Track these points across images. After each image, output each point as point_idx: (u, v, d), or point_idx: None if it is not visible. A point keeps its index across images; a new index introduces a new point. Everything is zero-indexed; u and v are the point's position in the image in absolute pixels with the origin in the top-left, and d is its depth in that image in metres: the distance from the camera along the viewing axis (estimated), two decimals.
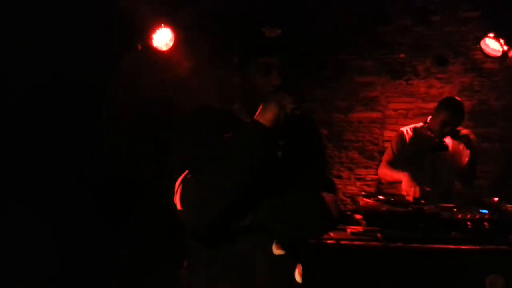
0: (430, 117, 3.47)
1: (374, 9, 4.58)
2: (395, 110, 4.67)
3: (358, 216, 2.84)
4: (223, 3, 4.42)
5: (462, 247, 2.46)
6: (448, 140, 3.36)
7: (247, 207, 1.34)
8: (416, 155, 3.42)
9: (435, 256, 2.44)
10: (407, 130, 3.52)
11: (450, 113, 3.27)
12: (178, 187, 1.29)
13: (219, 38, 4.25)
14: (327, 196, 1.43)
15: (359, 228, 2.63)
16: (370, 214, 2.66)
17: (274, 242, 1.39)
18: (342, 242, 2.46)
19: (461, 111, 3.32)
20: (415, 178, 3.19)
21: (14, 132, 2.97)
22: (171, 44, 3.89)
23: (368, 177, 4.65)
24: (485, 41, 4.01)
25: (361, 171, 4.67)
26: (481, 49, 4.08)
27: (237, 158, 1.27)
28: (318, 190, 1.44)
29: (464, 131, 3.38)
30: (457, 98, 3.52)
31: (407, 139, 3.47)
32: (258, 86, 1.44)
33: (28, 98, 3.06)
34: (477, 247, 2.44)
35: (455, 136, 3.32)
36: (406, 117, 4.61)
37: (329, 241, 2.46)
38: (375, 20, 4.62)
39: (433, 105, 3.91)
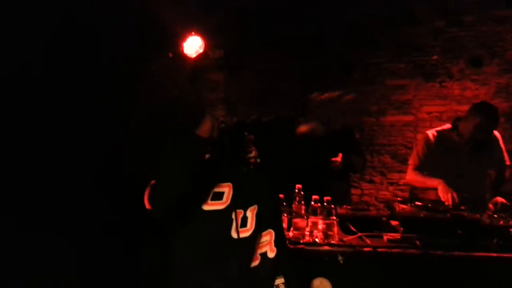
0: (457, 120, 3.34)
1: (404, 11, 4.51)
2: (429, 113, 4.58)
3: (394, 222, 2.78)
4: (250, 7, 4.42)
5: (504, 255, 2.38)
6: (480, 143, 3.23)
7: (197, 197, 1.66)
8: (443, 159, 3.30)
9: (476, 264, 2.36)
10: (432, 133, 3.39)
11: (485, 118, 3.09)
12: (146, 192, 1.59)
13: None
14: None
15: (396, 235, 2.57)
16: (408, 221, 2.59)
17: (233, 225, 1.65)
18: (379, 249, 2.41)
19: (496, 116, 3.14)
20: (448, 183, 3.10)
21: (33, 135, 3.00)
22: (200, 51, 3.91)
23: (401, 181, 4.56)
24: None
25: (394, 176, 4.59)
26: None
27: (181, 162, 1.57)
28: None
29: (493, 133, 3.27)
30: (492, 103, 3.37)
31: (434, 143, 3.33)
32: (207, 101, 1.69)
33: (54, 99, 3.10)
34: None
35: (486, 141, 3.20)
36: (440, 120, 4.50)
37: (365, 249, 2.41)
38: (406, 22, 4.54)
39: (468, 107, 3.81)
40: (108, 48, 3.34)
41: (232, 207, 1.67)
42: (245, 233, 1.67)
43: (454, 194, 2.95)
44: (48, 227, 2.90)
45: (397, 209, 2.77)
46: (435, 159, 3.30)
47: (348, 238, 2.50)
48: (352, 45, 4.56)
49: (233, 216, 1.66)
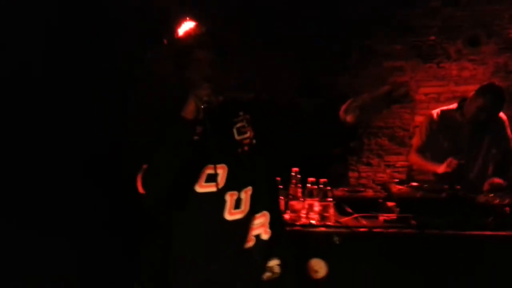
0: (463, 100, 3.34)
1: None
2: (426, 94, 4.56)
3: (390, 204, 2.79)
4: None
5: (500, 233, 2.39)
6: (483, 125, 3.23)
7: (189, 179, 1.66)
8: (444, 138, 3.29)
9: (472, 243, 2.38)
10: (437, 113, 3.38)
11: (490, 99, 3.08)
12: (138, 177, 1.60)
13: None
14: None
15: (392, 216, 2.58)
16: (404, 201, 2.61)
17: (227, 207, 1.65)
18: (375, 229, 2.42)
19: (501, 98, 3.12)
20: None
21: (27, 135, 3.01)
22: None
23: (399, 163, 4.56)
24: None
25: (391, 158, 4.59)
26: None
27: (170, 145, 1.58)
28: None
29: (499, 115, 3.26)
30: (499, 85, 3.28)
31: (437, 123, 3.33)
32: (191, 80, 1.64)
33: (48, 95, 3.10)
34: None
35: (488, 123, 3.20)
36: (438, 101, 4.49)
37: (361, 229, 2.43)
38: (402, 3, 4.50)
39: (465, 87, 3.83)
40: (105, 39, 3.33)
41: (225, 189, 1.65)
42: (238, 215, 1.66)
43: (453, 162, 3.01)
44: (47, 227, 2.92)
45: (393, 190, 2.79)
46: (437, 138, 3.31)
47: (344, 219, 2.52)
48: (348, 29, 4.53)
49: (227, 198, 1.66)
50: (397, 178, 4.30)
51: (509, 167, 3.32)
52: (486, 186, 3.02)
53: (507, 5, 4.31)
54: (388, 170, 4.58)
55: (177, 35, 3.91)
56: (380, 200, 2.86)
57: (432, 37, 4.50)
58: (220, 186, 1.64)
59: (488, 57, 4.44)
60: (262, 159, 1.72)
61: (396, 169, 4.58)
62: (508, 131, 3.30)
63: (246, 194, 1.68)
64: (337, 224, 2.46)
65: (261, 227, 1.69)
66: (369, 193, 2.91)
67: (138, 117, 4.04)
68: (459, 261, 2.36)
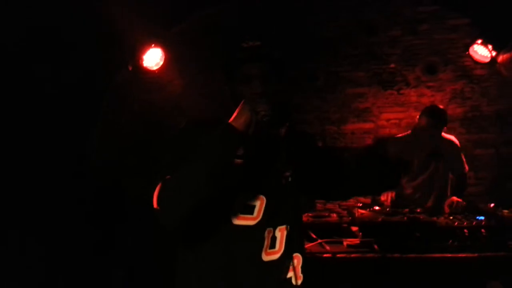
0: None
1: (361, 20, 4.62)
2: (388, 120, 4.68)
3: (354, 228, 2.82)
4: (211, 19, 4.45)
5: (460, 255, 2.44)
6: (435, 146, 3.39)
7: (221, 206, 1.42)
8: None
9: (432, 265, 2.42)
10: (391, 140, 3.55)
11: (430, 118, 3.29)
12: (157, 187, 1.37)
13: (208, 53, 4.28)
14: None
15: (356, 240, 2.61)
16: (366, 225, 2.64)
17: (264, 247, 1.45)
18: (338, 255, 2.43)
19: (441, 115, 3.34)
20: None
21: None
22: (161, 63, 3.91)
23: None
24: (473, 47, 4.03)
25: None
26: (470, 56, 4.09)
27: (206, 157, 1.32)
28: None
29: (448, 136, 3.42)
30: (439, 106, 3.56)
31: (394, 147, 3.46)
32: (242, 95, 1.47)
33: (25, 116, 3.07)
34: (475, 254, 2.43)
35: (438, 141, 3.36)
36: (399, 126, 4.62)
37: (325, 255, 2.43)
38: (364, 32, 4.65)
39: None
40: (68, 63, 3.31)
41: (263, 224, 1.46)
42: (274, 255, 1.47)
43: (392, 195, 3.19)
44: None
45: (356, 214, 2.82)
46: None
47: (308, 245, 2.52)
48: (314, 55, 4.63)
49: (265, 235, 1.46)
50: (362, 202, 4.36)
51: (463, 190, 3.45)
52: (446, 208, 3.11)
53: (462, 34, 4.51)
54: None
55: (142, 61, 3.92)
56: (345, 225, 2.89)
57: (392, 65, 4.65)
58: (257, 220, 1.45)
59: (446, 84, 4.62)
60: (298, 196, 1.56)
61: None
62: (461, 154, 3.45)
63: (281, 233, 1.50)
64: None
65: (292, 270, 1.51)
66: (334, 218, 2.92)
67: (104, 133, 4.02)
68: (421, 284, 2.39)
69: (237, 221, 1.45)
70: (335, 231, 2.76)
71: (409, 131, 3.53)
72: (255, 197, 1.46)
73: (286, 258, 1.49)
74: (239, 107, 1.37)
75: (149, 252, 3.71)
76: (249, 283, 1.44)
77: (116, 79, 4.23)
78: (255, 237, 1.45)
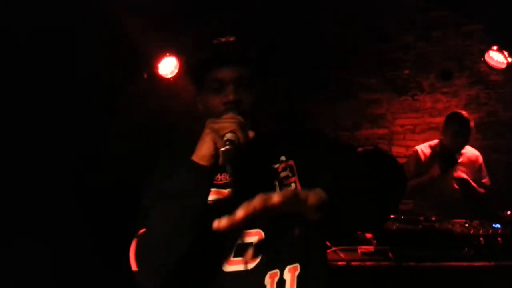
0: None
1: (374, 27, 4.61)
2: (402, 126, 4.66)
3: (368, 235, 2.82)
4: (223, 26, 4.48)
5: (476, 264, 2.43)
6: (462, 159, 3.42)
7: (212, 253, 1.14)
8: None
9: (448, 274, 2.41)
10: (421, 149, 3.53)
11: (457, 124, 3.36)
12: (132, 246, 1.13)
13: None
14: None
15: (370, 248, 2.61)
16: (381, 233, 2.63)
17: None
18: (352, 263, 2.43)
19: (466, 121, 3.39)
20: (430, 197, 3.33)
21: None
22: (176, 71, 3.96)
23: None
24: (489, 54, 4.00)
25: None
26: (485, 62, 4.07)
27: (176, 205, 1.07)
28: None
29: (475, 153, 3.48)
30: (462, 111, 3.58)
31: (422, 158, 3.49)
32: (212, 107, 1.23)
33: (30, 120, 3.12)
34: (491, 263, 2.41)
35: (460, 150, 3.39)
36: (414, 132, 4.60)
37: (339, 263, 2.43)
38: (377, 39, 4.65)
39: (440, 119, 3.90)
40: (85, 70, 3.37)
41: (264, 266, 1.14)
42: None
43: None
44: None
45: None
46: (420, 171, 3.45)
47: None
48: (327, 62, 4.64)
49: (267, 281, 1.13)
50: None
51: (484, 204, 3.43)
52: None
53: (477, 40, 4.48)
54: None
55: (157, 69, 3.97)
56: (359, 232, 2.89)
57: (406, 71, 4.64)
58: (256, 262, 1.13)
59: (461, 90, 4.59)
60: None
61: None
62: (483, 167, 3.46)
63: (291, 274, 1.16)
64: None
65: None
66: None
67: (115, 143, 4.06)
68: None
69: (228, 267, 1.15)
70: (349, 239, 2.77)
71: (436, 141, 3.55)
72: (249, 233, 1.15)
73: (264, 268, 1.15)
74: (201, 136, 1.11)
75: None
76: None
77: (131, 86, 4.29)
78: (255, 285, 1.14)
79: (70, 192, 3.40)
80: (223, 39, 1.24)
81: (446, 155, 3.39)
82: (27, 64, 2.93)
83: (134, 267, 1.11)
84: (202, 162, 1.09)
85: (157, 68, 3.89)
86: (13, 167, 2.93)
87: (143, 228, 1.13)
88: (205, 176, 1.10)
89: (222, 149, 1.06)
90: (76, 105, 3.42)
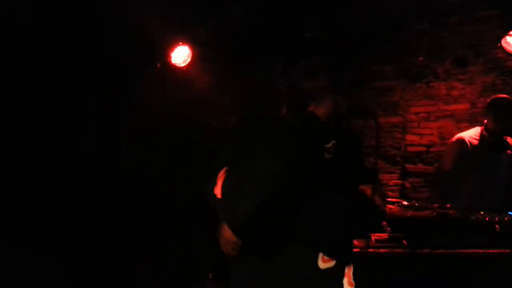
0: (486, 120, 3.41)
1: (389, 15, 4.56)
2: (416, 113, 4.62)
3: (383, 223, 2.81)
4: (236, 18, 4.47)
5: (491, 250, 2.42)
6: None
7: (287, 211, 1.32)
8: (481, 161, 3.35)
9: (463, 261, 2.40)
10: (469, 139, 3.40)
11: (504, 108, 3.28)
12: (220, 177, 1.29)
13: (236, 50, 4.31)
14: (366, 189, 1.39)
15: (384, 235, 2.60)
16: (394, 220, 2.63)
17: (320, 255, 1.38)
18: (366, 250, 2.44)
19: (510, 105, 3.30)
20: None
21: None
22: (188, 60, 3.97)
23: (391, 182, 4.59)
24: (506, 39, 3.94)
25: (384, 176, 4.62)
26: (502, 48, 4.01)
27: (284, 149, 1.23)
28: (358, 187, 1.41)
29: None
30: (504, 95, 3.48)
31: (469, 147, 3.38)
32: (306, 90, 1.38)
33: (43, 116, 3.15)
34: (506, 250, 2.39)
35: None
36: (428, 120, 4.55)
37: (353, 249, 2.44)
38: (391, 26, 4.59)
39: (455, 106, 3.88)
40: (98, 62, 3.39)
41: None
42: (330, 263, 1.40)
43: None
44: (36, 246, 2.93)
45: None
46: (472, 163, 3.35)
47: None
48: (341, 50, 4.60)
49: None
50: (390, 197, 4.33)
51: None
52: None
53: (493, 26, 4.40)
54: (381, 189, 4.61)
55: (170, 59, 3.99)
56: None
57: (421, 58, 4.58)
58: None
59: (476, 77, 4.52)
60: None
61: (390, 187, 4.60)
62: None
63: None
64: None
65: (345, 276, 1.46)
66: None
67: (130, 135, 4.11)
68: (451, 280, 2.38)
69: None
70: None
71: (478, 128, 3.44)
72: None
73: (342, 266, 1.45)
74: (318, 99, 1.29)
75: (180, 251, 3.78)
76: None
77: (144, 76, 4.31)
78: None
79: (78, 192, 3.41)
80: (315, 33, 1.45)
81: (497, 140, 3.33)
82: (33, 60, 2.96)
83: (219, 195, 1.28)
84: (322, 117, 1.26)
85: (170, 57, 3.91)
86: (13, 168, 2.96)
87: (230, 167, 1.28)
88: (323, 127, 1.27)
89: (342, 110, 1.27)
90: (86, 102, 3.44)
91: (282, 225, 1.33)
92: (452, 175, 3.42)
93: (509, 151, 3.37)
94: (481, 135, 3.40)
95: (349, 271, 1.46)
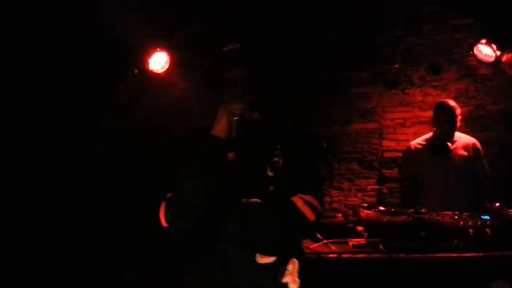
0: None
1: (364, 22, 4.63)
2: (392, 120, 4.69)
3: (359, 228, 2.84)
4: (216, 25, 4.47)
5: (465, 254, 2.46)
6: (456, 146, 3.47)
7: (220, 215, 1.44)
8: (428, 165, 3.49)
9: (438, 265, 2.44)
10: (414, 145, 3.61)
11: (443, 112, 3.47)
12: (162, 206, 1.44)
13: (212, 58, 4.31)
14: (299, 200, 1.45)
15: (361, 240, 2.63)
16: (371, 226, 2.66)
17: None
18: (344, 255, 2.46)
19: (452, 109, 3.48)
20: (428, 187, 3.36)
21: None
22: (166, 66, 3.95)
23: (369, 187, 4.65)
24: (477, 47, 4.05)
25: (361, 182, 4.67)
26: (474, 55, 4.11)
27: (199, 170, 1.37)
28: (288, 195, 1.46)
29: (470, 140, 3.53)
30: (448, 100, 3.70)
31: (415, 153, 3.55)
32: (226, 100, 1.46)
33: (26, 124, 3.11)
34: (480, 254, 2.44)
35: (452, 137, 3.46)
36: (404, 126, 4.63)
37: (331, 255, 2.46)
38: (367, 33, 4.66)
39: (430, 113, 3.93)
40: (75, 68, 3.35)
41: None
42: (268, 258, 1.47)
43: None
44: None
45: (361, 215, 2.84)
46: (421, 167, 3.51)
47: (314, 246, 2.54)
48: (317, 56, 4.64)
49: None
50: (368, 202, 4.38)
51: (485, 194, 3.47)
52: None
53: (466, 34, 4.51)
54: (359, 194, 4.65)
55: (148, 65, 3.96)
56: (350, 225, 2.92)
57: (396, 65, 4.66)
58: None
59: (450, 83, 4.62)
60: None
61: (367, 192, 4.65)
62: (482, 156, 3.51)
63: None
64: (307, 251, 2.48)
65: (289, 274, 1.51)
66: (340, 218, 2.96)
67: (109, 138, 4.06)
68: (426, 284, 2.41)
69: None
70: (341, 232, 2.79)
71: (430, 133, 3.60)
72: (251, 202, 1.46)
73: (281, 262, 1.49)
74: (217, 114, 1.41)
75: (159, 257, 3.75)
76: (244, 284, 1.47)
77: (122, 82, 4.27)
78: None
79: (68, 194, 3.39)
80: (231, 46, 1.54)
81: (437, 144, 3.44)
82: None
83: (163, 223, 1.42)
84: (220, 135, 1.38)
85: (147, 63, 3.88)
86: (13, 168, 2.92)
87: (169, 193, 1.42)
88: (224, 145, 1.37)
89: (235, 119, 1.36)
90: (71, 105, 3.40)
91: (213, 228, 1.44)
92: (408, 180, 3.59)
93: (460, 153, 3.46)
94: (427, 139, 3.58)
95: (293, 268, 1.51)
